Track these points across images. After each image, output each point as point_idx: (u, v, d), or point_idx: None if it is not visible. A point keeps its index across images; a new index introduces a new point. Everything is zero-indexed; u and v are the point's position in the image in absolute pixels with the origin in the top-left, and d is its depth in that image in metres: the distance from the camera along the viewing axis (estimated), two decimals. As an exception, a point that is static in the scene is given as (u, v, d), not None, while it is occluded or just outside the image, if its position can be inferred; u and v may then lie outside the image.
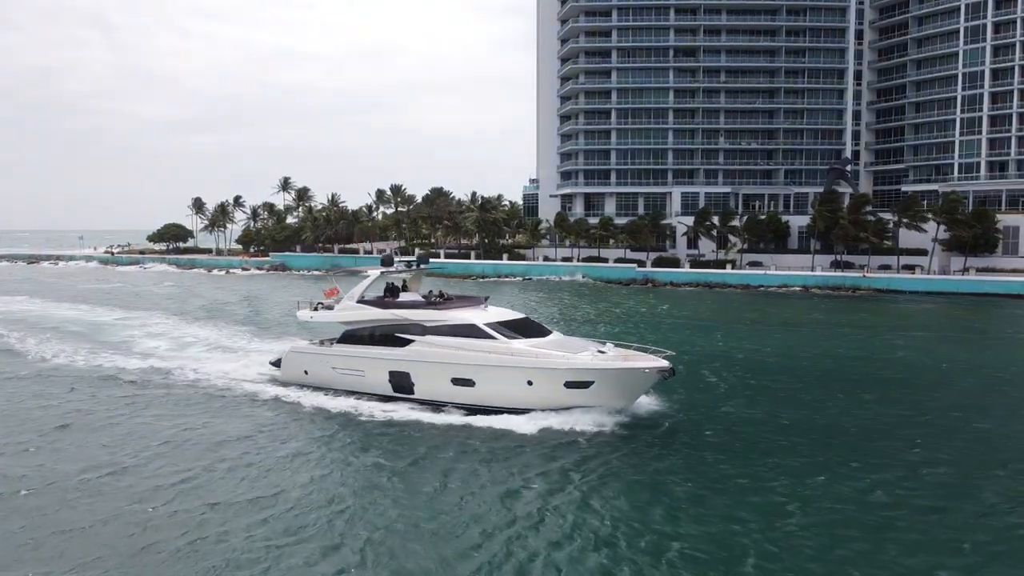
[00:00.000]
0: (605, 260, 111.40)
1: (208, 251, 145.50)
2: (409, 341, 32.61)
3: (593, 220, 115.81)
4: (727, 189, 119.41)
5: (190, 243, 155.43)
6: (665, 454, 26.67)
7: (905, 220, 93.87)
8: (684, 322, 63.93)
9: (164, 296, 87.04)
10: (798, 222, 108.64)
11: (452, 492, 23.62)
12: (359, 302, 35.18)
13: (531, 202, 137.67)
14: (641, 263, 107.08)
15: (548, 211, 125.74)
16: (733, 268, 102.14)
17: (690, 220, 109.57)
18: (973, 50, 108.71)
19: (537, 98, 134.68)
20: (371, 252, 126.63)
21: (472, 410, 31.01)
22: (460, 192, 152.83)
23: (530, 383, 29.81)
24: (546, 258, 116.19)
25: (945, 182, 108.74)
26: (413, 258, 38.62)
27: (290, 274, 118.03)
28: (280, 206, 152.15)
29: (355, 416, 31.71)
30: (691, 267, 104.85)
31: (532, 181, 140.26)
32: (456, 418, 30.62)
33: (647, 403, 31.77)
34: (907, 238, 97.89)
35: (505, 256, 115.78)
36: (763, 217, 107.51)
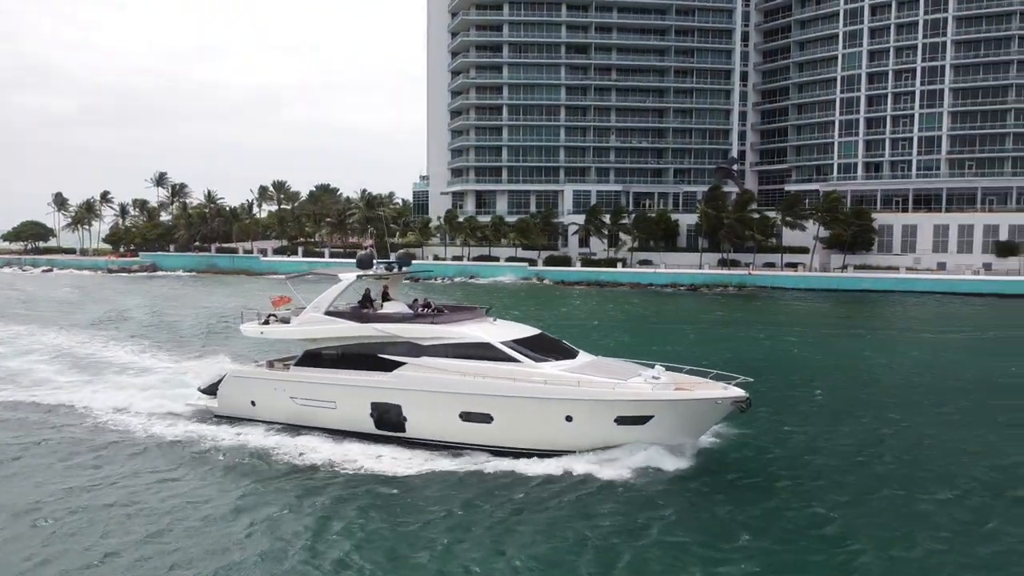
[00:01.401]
0: (496, 259, 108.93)
1: (71, 251, 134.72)
2: (398, 364, 25.83)
3: (484, 218, 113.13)
4: (618, 187, 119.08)
5: (52, 242, 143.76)
6: (734, 502, 20.93)
7: (788, 219, 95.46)
8: (598, 323, 61.76)
9: (62, 301, 78.19)
10: (687, 220, 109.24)
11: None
12: (328, 313, 27.78)
13: (421, 199, 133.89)
14: (533, 262, 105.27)
15: (439, 209, 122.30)
16: (624, 267, 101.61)
17: (581, 218, 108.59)
18: (850, 54, 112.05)
19: (427, 93, 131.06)
20: (251, 251, 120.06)
21: (486, 452, 24.41)
22: (350, 190, 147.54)
23: (569, 418, 23.62)
24: (436, 257, 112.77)
25: (825, 182, 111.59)
26: (392, 259, 30.47)
27: (196, 276, 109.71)
28: (154, 203, 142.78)
29: (328, 464, 24.02)
30: (582, 266, 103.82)
31: (423, 178, 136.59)
32: (463, 462, 23.87)
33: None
34: (791, 236, 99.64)
35: (393, 256, 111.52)
36: (653, 215, 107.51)
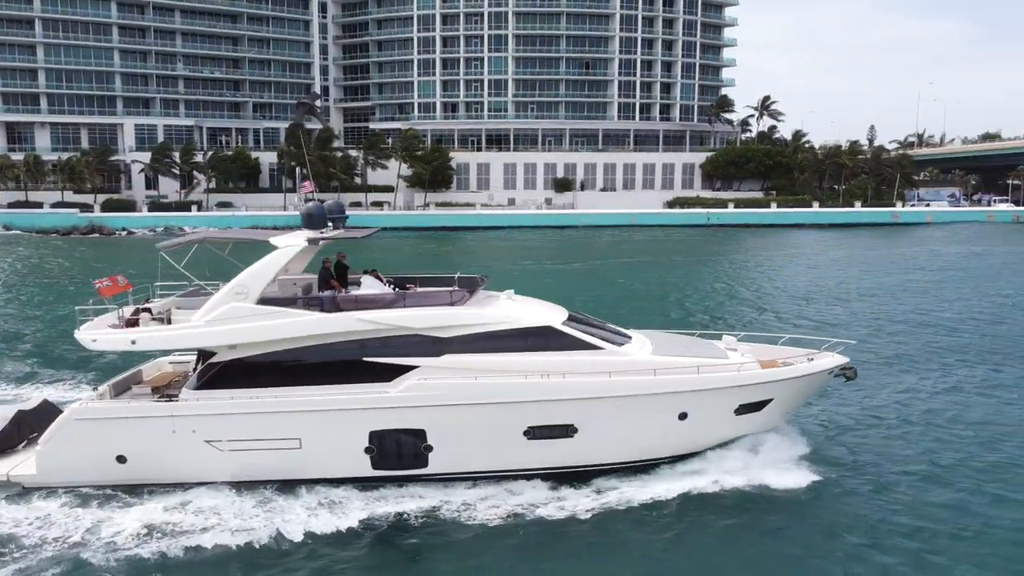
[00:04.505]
0: (39, 205, 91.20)
1: None
2: (405, 369, 17.57)
3: (19, 156, 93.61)
4: (190, 122, 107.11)
5: None
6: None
7: (370, 157, 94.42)
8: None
9: None
10: (269, 159, 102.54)
11: None
12: (263, 301, 17.81)
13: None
14: (87, 207, 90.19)
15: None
16: (200, 210, 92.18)
17: (147, 156, 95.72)
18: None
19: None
20: None
21: (552, 476, 17.77)
22: None
23: (683, 416, 18.08)
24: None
25: (407, 121, 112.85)
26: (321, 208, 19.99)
27: None
28: None
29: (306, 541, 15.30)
30: (150, 210, 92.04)
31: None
32: (504, 495, 16.99)
33: None
34: (377, 175, 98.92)
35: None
36: (231, 153, 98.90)
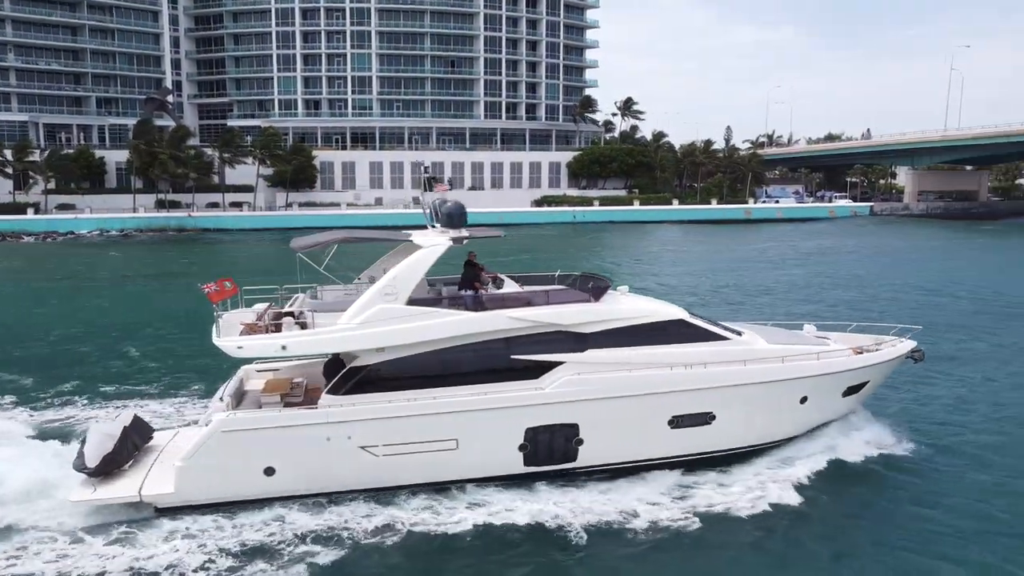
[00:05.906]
0: None
1: None
2: (551, 365, 17.89)
3: None
4: (24, 117, 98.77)
5: None
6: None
7: (226, 155, 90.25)
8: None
9: None
10: (116, 157, 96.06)
11: None
12: (413, 302, 17.56)
13: None
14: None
15: None
16: (36, 213, 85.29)
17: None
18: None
19: None
20: None
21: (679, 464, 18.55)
22: None
23: (804, 400, 19.52)
24: None
25: (267, 118, 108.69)
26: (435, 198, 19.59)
27: None
28: None
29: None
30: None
31: None
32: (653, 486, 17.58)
33: None
34: (236, 175, 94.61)
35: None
36: (72, 151, 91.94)
